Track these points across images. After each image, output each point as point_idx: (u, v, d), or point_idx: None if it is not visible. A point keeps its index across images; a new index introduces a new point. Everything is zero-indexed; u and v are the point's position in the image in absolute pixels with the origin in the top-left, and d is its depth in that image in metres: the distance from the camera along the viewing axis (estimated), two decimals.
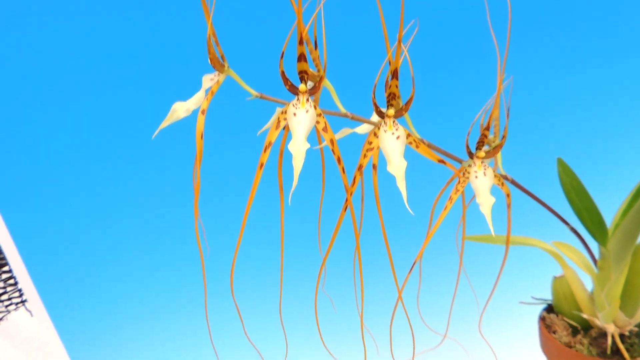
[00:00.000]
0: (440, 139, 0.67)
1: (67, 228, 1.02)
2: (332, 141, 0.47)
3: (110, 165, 0.92)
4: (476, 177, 0.56)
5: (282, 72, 0.46)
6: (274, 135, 0.47)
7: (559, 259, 0.77)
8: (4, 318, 1.01)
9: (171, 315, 1.06)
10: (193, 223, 0.53)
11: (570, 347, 0.77)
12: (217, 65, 0.48)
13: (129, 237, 1.05)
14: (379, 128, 0.51)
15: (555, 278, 0.85)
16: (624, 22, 0.71)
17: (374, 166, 0.56)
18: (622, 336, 0.76)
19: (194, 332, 1.06)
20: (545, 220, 0.75)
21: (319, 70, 0.55)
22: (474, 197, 0.76)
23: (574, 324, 0.82)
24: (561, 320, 0.84)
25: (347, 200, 0.49)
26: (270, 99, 0.49)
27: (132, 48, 0.80)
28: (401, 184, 0.48)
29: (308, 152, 0.46)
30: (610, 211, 0.68)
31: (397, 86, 0.49)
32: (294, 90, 0.46)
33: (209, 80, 0.49)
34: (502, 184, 0.58)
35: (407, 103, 0.51)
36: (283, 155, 0.54)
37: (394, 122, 0.51)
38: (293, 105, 0.46)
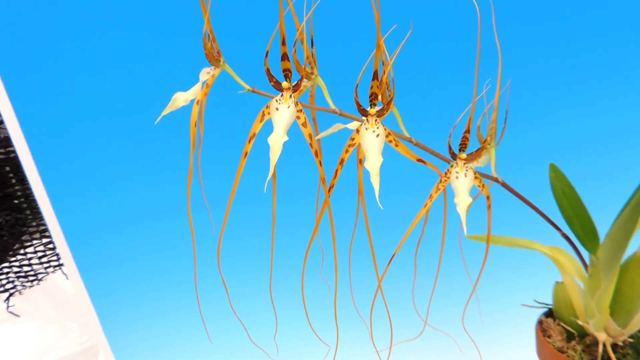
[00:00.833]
0: (437, 138, 0.69)
1: (103, 200, 1.10)
2: (310, 136, 0.51)
3: (146, 136, 0.99)
4: (457, 177, 0.59)
5: (267, 70, 0.50)
6: (257, 127, 0.51)
7: (558, 264, 0.78)
8: (44, 278, 1.12)
9: (199, 282, 1.12)
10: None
11: (563, 352, 0.79)
12: (213, 60, 0.52)
13: (160, 210, 1.12)
14: (361, 125, 0.55)
15: (557, 283, 0.86)
16: (623, 28, 0.70)
17: (360, 161, 0.60)
18: (615, 346, 0.77)
19: (216, 302, 1.12)
20: (546, 224, 0.76)
21: (312, 69, 0.59)
22: (477, 195, 0.79)
23: (571, 329, 0.83)
24: (557, 325, 0.85)
25: (325, 191, 0.53)
26: (261, 93, 0.54)
27: (150, 45, 0.86)
28: (375, 180, 0.52)
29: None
30: (605, 219, 0.69)
31: (377, 87, 0.53)
32: (278, 87, 0.51)
33: (206, 73, 0.54)
34: (483, 185, 0.60)
35: (388, 103, 0.54)
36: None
37: (375, 120, 0.54)
38: (276, 101, 0.51)
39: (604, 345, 0.72)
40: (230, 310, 0.86)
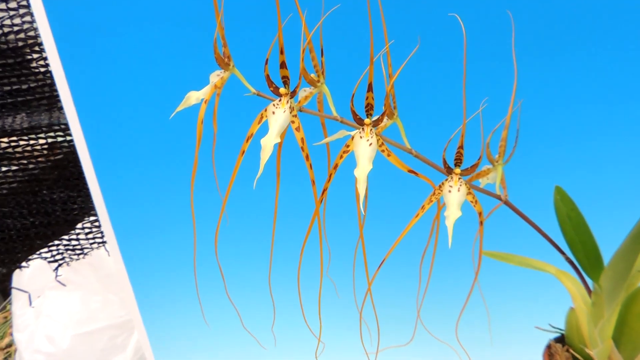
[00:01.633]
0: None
1: (149, 187, 1.18)
2: (302, 140, 0.55)
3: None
4: (449, 191, 0.60)
5: (267, 76, 0.54)
6: (255, 128, 0.55)
7: (568, 289, 0.77)
8: (89, 253, 1.21)
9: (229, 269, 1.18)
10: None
11: None
12: (222, 64, 0.57)
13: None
14: (356, 133, 0.58)
15: (570, 309, 0.85)
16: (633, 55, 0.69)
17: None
18: None
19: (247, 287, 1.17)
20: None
21: (318, 76, 0.62)
22: (491, 212, 0.79)
23: (580, 357, 0.81)
24: (566, 351, 0.84)
25: (314, 192, 0.56)
26: (266, 96, 0.58)
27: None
28: (361, 187, 0.54)
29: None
30: (612, 246, 0.67)
31: (373, 98, 0.56)
32: (277, 92, 0.55)
33: (216, 76, 0.58)
34: (476, 202, 0.61)
35: (382, 114, 0.57)
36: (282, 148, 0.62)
37: (370, 130, 0.57)
38: (274, 105, 0.55)
39: None
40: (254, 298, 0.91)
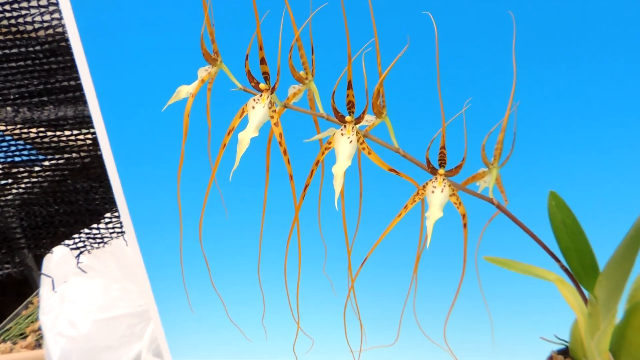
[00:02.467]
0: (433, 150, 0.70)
1: (165, 178, 1.21)
2: (280, 135, 0.56)
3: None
4: (432, 191, 0.60)
5: (248, 71, 0.55)
6: (236, 122, 0.56)
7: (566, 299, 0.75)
8: (109, 242, 1.26)
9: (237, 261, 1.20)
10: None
11: None
12: (210, 60, 0.58)
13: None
14: (338, 131, 0.58)
15: (575, 320, 0.82)
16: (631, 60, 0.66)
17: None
18: None
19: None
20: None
21: (307, 74, 0.63)
22: (491, 218, 0.78)
23: None
24: None
25: (292, 187, 0.57)
26: (251, 92, 0.59)
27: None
28: (337, 183, 0.55)
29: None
30: (607, 255, 0.65)
31: (353, 96, 0.56)
32: (258, 87, 0.56)
33: (204, 71, 0.60)
34: (460, 204, 0.60)
35: (363, 112, 0.57)
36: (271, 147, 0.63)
37: (352, 127, 0.57)
38: (254, 100, 0.56)
39: None
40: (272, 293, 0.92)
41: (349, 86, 0.55)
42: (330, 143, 0.58)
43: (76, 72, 1.08)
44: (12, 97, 1.09)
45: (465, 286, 0.99)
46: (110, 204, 1.20)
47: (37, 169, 1.18)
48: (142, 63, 1.10)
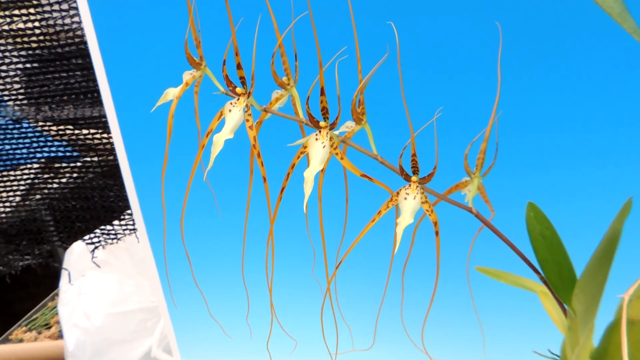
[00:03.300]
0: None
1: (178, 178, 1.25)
2: (254, 138, 0.58)
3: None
4: (405, 198, 0.60)
5: (226, 76, 0.57)
6: (214, 125, 0.59)
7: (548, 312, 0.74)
8: (122, 239, 1.31)
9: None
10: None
11: None
12: (193, 63, 0.61)
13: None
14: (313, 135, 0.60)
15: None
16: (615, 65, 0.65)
17: (323, 170, 0.64)
18: None
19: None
20: None
21: (288, 79, 0.65)
22: (480, 229, 0.78)
23: None
24: None
25: (266, 189, 0.59)
26: (232, 95, 0.61)
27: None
28: (307, 187, 0.56)
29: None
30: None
31: (326, 101, 0.57)
32: (235, 91, 0.58)
33: (189, 74, 0.62)
34: (432, 211, 0.61)
35: (336, 119, 0.58)
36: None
37: (327, 133, 0.59)
38: (231, 103, 0.58)
39: None
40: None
41: (322, 92, 0.57)
42: (305, 147, 0.60)
43: (94, 73, 1.13)
44: (35, 95, 1.15)
45: (460, 297, 0.99)
46: (124, 201, 1.25)
47: (73, 165, 1.24)
48: (157, 65, 1.15)
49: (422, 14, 0.72)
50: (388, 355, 0.85)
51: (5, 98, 1.16)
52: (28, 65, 1.12)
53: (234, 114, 0.57)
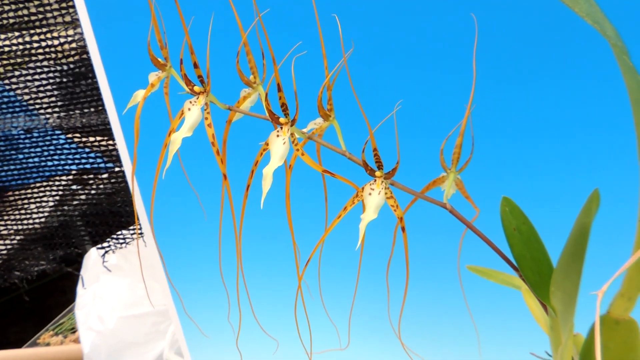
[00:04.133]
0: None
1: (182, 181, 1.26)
2: (212, 135, 0.58)
3: None
4: (370, 194, 0.59)
5: (184, 75, 0.58)
6: (176, 123, 0.59)
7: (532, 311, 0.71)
8: (130, 242, 1.33)
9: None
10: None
11: None
12: (158, 65, 0.62)
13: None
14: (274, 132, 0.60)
15: None
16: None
17: (290, 167, 0.64)
18: None
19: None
20: None
21: (255, 77, 0.65)
22: (463, 234, 0.76)
23: None
24: None
25: (227, 186, 0.59)
26: (196, 94, 0.62)
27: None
28: (265, 183, 0.56)
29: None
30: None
31: (285, 98, 0.57)
32: (193, 91, 0.58)
33: (154, 76, 0.63)
34: (397, 207, 0.60)
35: (295, 115, 0.58)
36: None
37: (287, 130, 0.59)
38: (190, 102, 0.58)
39: None
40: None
41: (279, 89, 0.57)
42: (267, 144, 0.60)
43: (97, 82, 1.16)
44: (44, 105, 1.19)
45: (455, 297, 0.97)
46: (130, 206, 1.28)
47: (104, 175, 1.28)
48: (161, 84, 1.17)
49: (398, 10, 0.71)
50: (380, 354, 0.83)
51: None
52: (37, 77, 1.17)
53: (192, 112, 0.58)
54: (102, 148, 1.19)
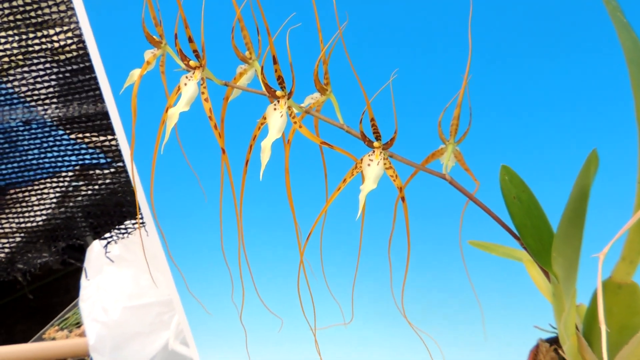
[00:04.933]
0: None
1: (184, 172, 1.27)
2: (210, 110, 0.58)
3: None
4: (369, 164, 0.59)
5: (179, 50, 0.58)
6: (173, 99, 0.59)
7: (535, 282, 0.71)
8: (132, 233, 1.33)
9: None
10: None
11: None
12: (153, 42, 0.62)
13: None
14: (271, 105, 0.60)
15: None
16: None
17: (289, 142, 0.64)
18: None
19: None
20: None
21: (250, 53, 0.65)
22: (464, 207, 0.76)
23: (568, 358, 0.75)
24: (552, 351, 0.78)
25: (225, 160, 0.59)
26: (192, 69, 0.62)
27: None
28: (264, 156, 0.56)
29: None
30: None
31: (280, 70, 0.57)
32: (189, 66, 0.58)
33: (150, 53, 0.63)
34: (396, 177, 0.60)
35: (292, 88, 0.58)
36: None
37: (285, 103, 0.59)
38: (186, 77, 0.58)
39: None
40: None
41: (274, 61, 0.56)
42: (265, 118, 0.60)
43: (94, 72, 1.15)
44: (42, 97, 1.19)
45: (457, 272, 0.97)
46: (132, 196, 1.28)
47: (106, 171, 1.28)
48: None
49: None
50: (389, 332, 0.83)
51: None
52: (34, 68, 1.17)
53: (189, 87, 0.58)
54: (102, 138, 1.19)
